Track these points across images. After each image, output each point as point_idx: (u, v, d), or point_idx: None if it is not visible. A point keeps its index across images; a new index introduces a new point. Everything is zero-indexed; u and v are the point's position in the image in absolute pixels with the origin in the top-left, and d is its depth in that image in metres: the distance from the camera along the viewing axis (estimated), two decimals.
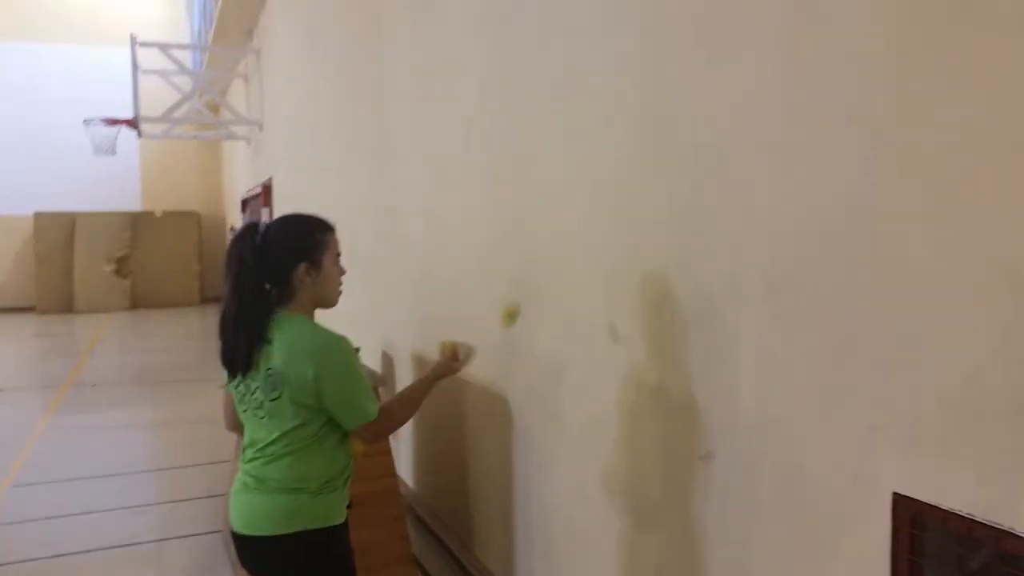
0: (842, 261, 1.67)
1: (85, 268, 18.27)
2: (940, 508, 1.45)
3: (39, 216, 18.34)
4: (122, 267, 18.66)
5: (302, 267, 2.14)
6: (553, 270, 2.95)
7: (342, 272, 2.26)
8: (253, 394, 2.14)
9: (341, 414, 2.13)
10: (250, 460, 2.18)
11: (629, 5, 2.41)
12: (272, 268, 2.14)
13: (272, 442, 2.12)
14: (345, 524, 2.23)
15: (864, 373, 1.62)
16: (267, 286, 2.14)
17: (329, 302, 2.24)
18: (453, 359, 2.52)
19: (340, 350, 2.13)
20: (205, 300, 19.62)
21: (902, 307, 1.53)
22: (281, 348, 2.09)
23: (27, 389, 9.41)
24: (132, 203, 19.60)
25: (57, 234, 18.30)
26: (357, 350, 2.27)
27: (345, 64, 6.32)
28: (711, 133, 2.07)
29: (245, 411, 2.18)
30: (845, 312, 1.66)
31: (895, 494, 1.54)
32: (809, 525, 1.79)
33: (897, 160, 1.53)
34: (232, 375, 2.17)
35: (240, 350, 2.12)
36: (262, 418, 2.13)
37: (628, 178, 2.45)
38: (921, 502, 1.49)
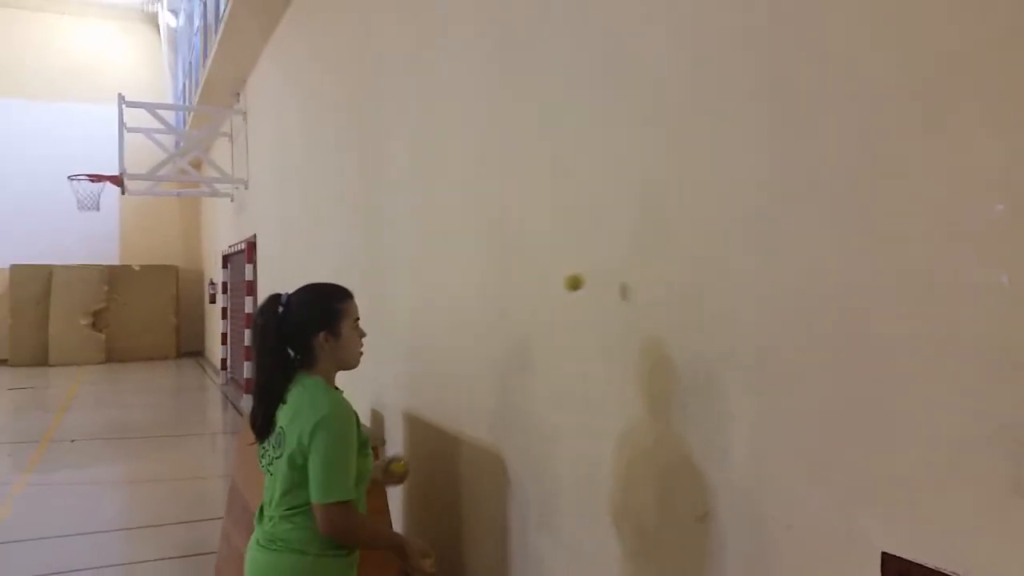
0: (824, 334, 1.83)
1: (61, 321, 18.17)
2: (927, 567, 1.58)
3: (15, 269, 18.27)
4: (98, 320, 18.56)
5: (321, 335, 2.27)
6: (548, 335, 3.08)
7: (362, 335, 2.38)
8: (267, 452, 2.25)
9: (312, 484, 2.15)
10: (262, 518, 2.27)
11: (627, 93, 2.60)
12: (294, 336, 2.27)
13: (279, 501, 2.22)
14: None
15: (852, 437, 1.77)
16: (290, 352, 2.26)
17: (350, 365, 2.36)
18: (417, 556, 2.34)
19: (342, 421, 2.18)
20: (182, 354, 19.51)
21: (883, 376, 1.69)
22: (290, 408, 2.21)
23: (5, 444, 9.27)
24: (110, 257, 19.61)
25: (33, 287, 18.22)
26: None
27: (336, 127, 6.51)
28: (703, 218, 2.24)
29: (263, 468, 2.28)
30: (831, 380, 1.82)
31: (884, 553, 1.67)
32: None
33: (874, 246, 1.71)
34: (258, 438, 2.27)
35: (260, 415, 2.24)
36: (272, 475, 2.24)
37: (622, 251, 2.61)
38: (909, 561, 1.62)
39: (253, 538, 2.30)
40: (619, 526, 2.65)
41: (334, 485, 2.12)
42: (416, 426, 4.55)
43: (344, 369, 2.34)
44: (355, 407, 2.62)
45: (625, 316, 2.60)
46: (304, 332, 2.27)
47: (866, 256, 1.73)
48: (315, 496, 2.13)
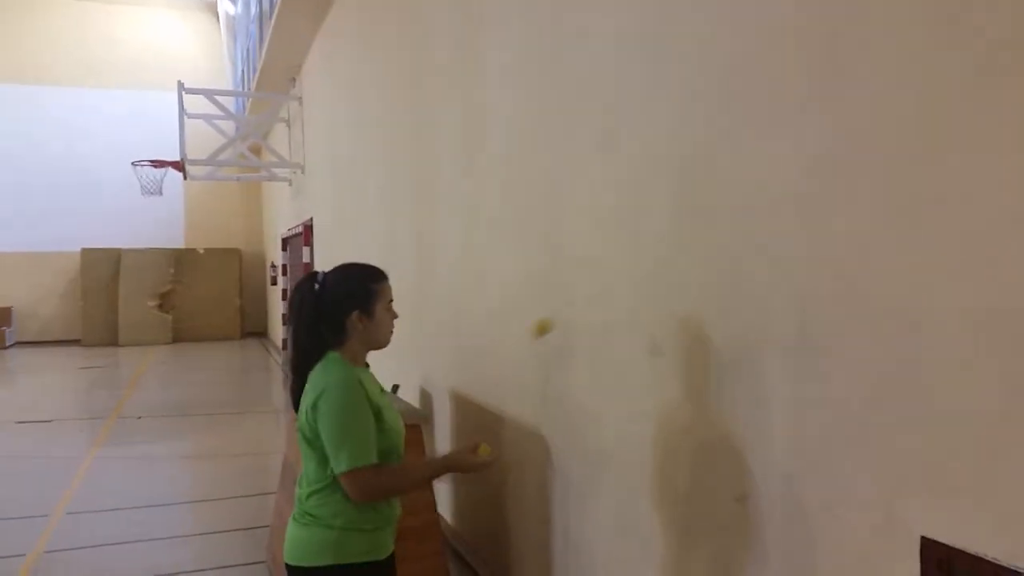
0: (867, 316, 1.76)
1: (129, 303, 18.82)
2: (967, 553, 1.52)
3: (86, 252, 18.97)
4: (165, 302, 19.16)
5: (355, 314, 2.27)
6: (588, 317, 3.05)
7: (394, 317, 2.38)
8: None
9: (330, 458, 2.15)
10: (298, 492, 2.31)
11: (665, 73, 2.55)
12: (328, 314, 2.28)
13: (305, 475, 2.26)
14: (385, 564, 2.28)
15: (893, 420, 1.70)
16: (323, 330, 2.28)
17: (380, 344, 2.37)
18: (474, 453, 2.35)
19: (341, 390, 2.15)
20: (245, 335, 20.01)
21: (925, 358, 1.62)
22: (307, 385, 2.23)
23: (76, 420, 9.67)
24: (176, 240, 20.18)
25: (103, 270, 18.91)
26: (395, 388, 2.35)
27: (386, 112, 6.54)
28: (741, 192, 2.18)
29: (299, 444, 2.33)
30: (872, 362, 1.75)
31: (923, 538, 1.61)
32: (840, 566, 1.85)
33: (917, 224, 1.63)
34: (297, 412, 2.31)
35: (296, 390, 2.27)
36: (302, 451, 2.28)
37: (664, 231, 2.56)
38: (949, 546, 1.56)
39: (292, 512, 2.34)
40: (659, 507, 2.62)
41: (348, 453, 2.10)
42: (462, 405, 4.57)
43: (374, 349, 2.35)
44: (405, 386, 2.62)
45: (663, 297, 2.56)
46: (338, 310, 2.27)
47: (909, 236, 1.66)
48: (335, 468, 2.13)
